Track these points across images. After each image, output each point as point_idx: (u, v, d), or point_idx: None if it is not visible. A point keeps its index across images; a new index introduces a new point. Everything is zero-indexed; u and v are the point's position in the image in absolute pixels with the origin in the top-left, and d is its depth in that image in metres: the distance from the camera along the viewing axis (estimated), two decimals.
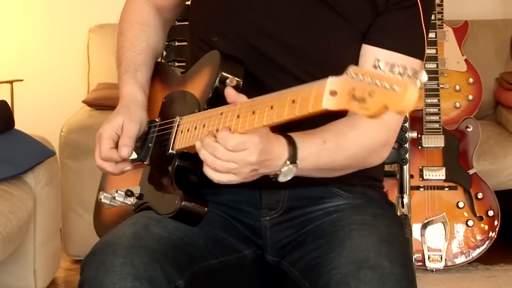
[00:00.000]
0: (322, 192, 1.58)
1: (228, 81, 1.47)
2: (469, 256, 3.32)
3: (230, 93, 1.38)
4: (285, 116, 1.23)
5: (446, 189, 3.37)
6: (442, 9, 3.56)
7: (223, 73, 1.48)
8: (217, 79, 1.48)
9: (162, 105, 1.63)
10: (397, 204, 1.86)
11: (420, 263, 3.27)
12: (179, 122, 1.51)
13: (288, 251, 1.56)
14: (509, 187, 3.49)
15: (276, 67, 1.55)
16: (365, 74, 1.10)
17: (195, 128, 1.43)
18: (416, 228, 3.29)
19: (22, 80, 3.85)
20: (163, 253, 1.40)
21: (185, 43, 1.83)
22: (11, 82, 3.82)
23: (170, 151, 1.50)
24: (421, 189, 3.36)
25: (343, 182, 1.58)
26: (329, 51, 1.56)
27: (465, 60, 3.73)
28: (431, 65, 3.43)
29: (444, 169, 3.36)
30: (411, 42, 1.55)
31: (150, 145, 1.57)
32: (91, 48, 3.92)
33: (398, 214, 1.84)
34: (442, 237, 3.31)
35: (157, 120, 1.61)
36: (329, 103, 1.15)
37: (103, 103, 3.48)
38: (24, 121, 3.23)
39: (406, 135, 1.85)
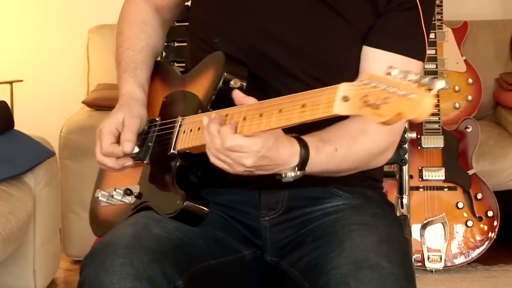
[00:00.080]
0: (321, 192, 1.58)
1: (232, 82, 1.47)
2: (468, 256, 3.32)
3: (237, 95, 1.38)
4: (294, 120, 1.24)
5: (446, 189, 3.37)
6: (442, 9, 3.55)
7: (228, 75, 1.47)
8: (221, 80, 1.47)
9: (162, 104, 1.63)
10: (396, 204, 1.86)
11: (420, 264, 3.27)
12: (181, 122, 1.51)
13: (288, 251, 1.56)
14: (508, 187, 3.49)
15: (277, 68, 1.55)
16: (380, 80, 1.10)
17: (199, 129, 1.43)
18: (415, 229, 3.29)
19: (21, 81, 3.85)
20: (163, 253, 1.40)
21: (185, 44, 1.83)
22: (10, 82, 3.82)
23: (172, 151, 1.50)
24: (421, 190, 3.36)
25: (343, 183, 1.58)
26: (330, 52, 1.56)
27: (465, 60, 3.73)
28: (431, 66, 3.43)
29: (443, 170, 3.36)
30: (411, 43, 1.56)
31: (150, 144, 1.57)
32: (91, 49, 3.92)
33: (398, 214, 1.84)
34: (441, 238, 3.31)
35: (157, 119, 1.60)
36: (340, 109, 1.15)
37: (103, 103, 3.48)
38: (24, 122, 3.23)
39: (405, 135, 1.85)
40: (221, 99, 1.46)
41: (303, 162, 1.39)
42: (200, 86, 1.54)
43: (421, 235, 3.30)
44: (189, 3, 1.75)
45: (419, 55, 1.56)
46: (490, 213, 3.34)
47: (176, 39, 2.02)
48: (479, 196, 3.35)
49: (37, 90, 3.99)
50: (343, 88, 1.15)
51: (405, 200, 1.88)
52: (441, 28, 3.59)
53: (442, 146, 3.37)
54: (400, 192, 1.89)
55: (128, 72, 1.65)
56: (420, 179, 3.36)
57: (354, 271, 1.36)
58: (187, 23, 1.77)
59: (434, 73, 3.42)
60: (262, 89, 1.45)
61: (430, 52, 3.40)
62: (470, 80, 3.70)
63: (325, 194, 1.58)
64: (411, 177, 3.25)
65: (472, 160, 3.39)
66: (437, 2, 3.53)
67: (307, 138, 1.41)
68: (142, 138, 1.57)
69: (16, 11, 4.00)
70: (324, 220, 1.55)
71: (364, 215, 1.53)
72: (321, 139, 1.44)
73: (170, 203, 1.47)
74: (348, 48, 1.57)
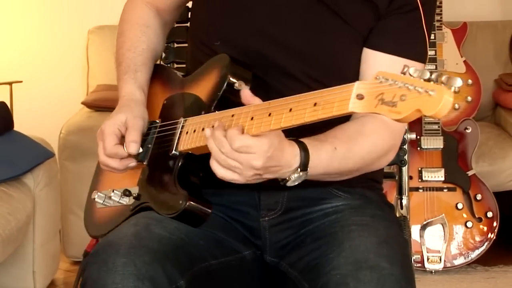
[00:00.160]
0: (321, 193, 1.58)
1: (236, 85, 1.47)
2: (468, 257, 3.32)
3: (246, 94, 1.37)
4: (305, 119, 1.24)
5: (445, 190, 3.37)
6: (441, 10, 3.55)
7: (232, 77, 1.48)
8: (226, 82, 1.47)
9: (163, 106, 1.63)
10: (396, 205, 1.86)
11: (419, 264, 3.27)
12: (183, 123, 1.51)
13: (287, 251, 1.56)
14: (508, 188, 3.49)
15: (277, 69, 1.55)
16: (395, 78, 1.11)
17: (203, 129, 1.43)
18: (415, 229, 3.29)
19: (21, 82, 3.85)
20: (164, 254, 1.40)
21: (185, 45, 1.84)
22: (10, 83, 3.81)
23: (174, 151, 1.50)
24: (420, 191, 3.36)
25: (342, 183, 1.58)
26: (331, 54, 1.57)
27: (464, 61, 3.73)
28: (430, 67, 3.42)
29: (443, 171, 3.36)
30: (412, 45, 1.56)
31: (149, 145, 1.57)
32: (90, 50, 3.92)
33: (397, 215, 1.84)
34: (441, 238, 3.31)
35: (157, 121, 1.61)
36: (355, 106, 1.15)
37: (102, 104, 3.48)
38: (23, 123, 3.23)
39: (405, 136, 1.85)
40: (225, 101, 1.46)
41: (305, 162, 1.39)
42: (203, 88, 1.54)
43: (421, 236, 3.30)
44: (190, 5, 1.75)
45: (420, 57, 1.56)
46: (489, 214, 3.34)
47: (176, 40, 2.02)
48: (479, 197, 3.35)
49: (37, 91, 3.99)
50: (358, 86, 1.16)
51: (404, 201, 1.88)
52: (441, 29, 3.59)
53: (442, 147, 3.37)
54: (400, 193, 1.89)
55: (129, 73, 1.65)
56: (419, 180, 3.36)
57: (354, 272, 1.37)
58: (186, 24, 1.78)
59: None
60: (263, 90, 1.45)
61: (429, 53, 3.37)
62: (470, 81, 3.70)
63: (325, 194, 1.59)
64: (410, 178, 3.27)
65: (472, 161, 3.39)
66: (437, 3, 3.53)
67: (304, 140, 1.41)
68: (142, 139, 1.57)
69: (16, 12, 4.00)
70: (323, 221, 1.55)
71: (364, 215, 1.53)
72: (319, 140, 1.44)
73: (173, 203, 1.47)
74: (348, 49, 1.57)
